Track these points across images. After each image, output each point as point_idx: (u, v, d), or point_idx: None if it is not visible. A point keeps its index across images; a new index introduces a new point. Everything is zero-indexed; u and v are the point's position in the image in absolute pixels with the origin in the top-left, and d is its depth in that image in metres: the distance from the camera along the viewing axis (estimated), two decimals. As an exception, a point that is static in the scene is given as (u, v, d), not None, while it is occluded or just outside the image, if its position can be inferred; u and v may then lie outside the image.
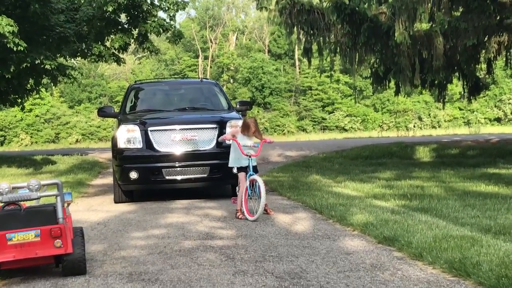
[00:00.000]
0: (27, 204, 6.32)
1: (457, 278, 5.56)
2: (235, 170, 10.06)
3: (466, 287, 5.26)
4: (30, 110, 61.01)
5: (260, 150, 9.78)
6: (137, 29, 23.95)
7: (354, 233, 8.03)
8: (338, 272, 5.93)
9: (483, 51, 19.85)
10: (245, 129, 9.70)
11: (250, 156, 9.58)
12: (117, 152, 11.99)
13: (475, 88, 22.30)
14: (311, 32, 20.01)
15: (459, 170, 16.31)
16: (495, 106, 67.44)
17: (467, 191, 11.98)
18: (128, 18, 23.89)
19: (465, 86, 22.45)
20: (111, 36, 24.22)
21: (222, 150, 11.61)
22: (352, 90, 69.86)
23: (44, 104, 63.20)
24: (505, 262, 5.55)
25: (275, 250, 7.04)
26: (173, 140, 11.77)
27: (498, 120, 66.64)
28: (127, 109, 13.40)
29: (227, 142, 10.14)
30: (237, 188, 9.88)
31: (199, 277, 5.87)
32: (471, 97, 23.12)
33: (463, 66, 20.29)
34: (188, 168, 11.77)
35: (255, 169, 9.64)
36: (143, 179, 11.75)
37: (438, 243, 6.52)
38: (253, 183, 9.47)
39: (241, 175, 9.77)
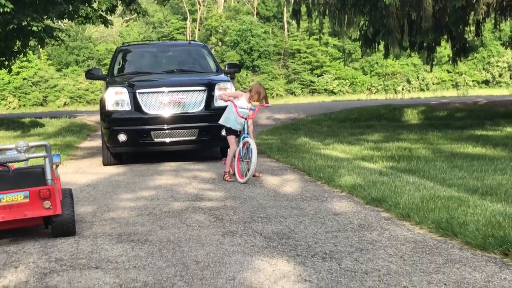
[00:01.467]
0: (16, 165, 6.31)
1: (444, 237, 5.61)
2: (223, 133, 10.07)
3: (453, 247, 5.32)
4: (18, 73, 60.54)
5: (256, 113, 9.77)
6: (124, -10, 23.77)
7: (342, 194, 8.08)
8: (326, 232, 5.97)
9: (472, 13, 19.81)
10: (257, 94, 9.62)
11: (246, 119, 9.57)
12: (105, 114, 11.95)
13: (462, 50, 22.33)
14: (300, -7, 19.91)
15: (447, 132, 16.40)
16: (483, 69, 67.53)
17: (454, 152, 12.05)
18: (115, -21, 23.67)
19: (453, 48, 22.48)
20: (98, -3, 24.02)
21: (211, 113, 11.62)
22: (340, 53, 69.69)
23: (32, 67, 62.69)
24: (491, 222, 5.61)
25: (263, 211, 7.08)
26: (161, 103, 11.73)
27: (486, 82, 66.76)
28: (115, 71, 13.32)
29: (225, 102, 9.99)
30: (228, 150, 9.86)
31: (188, 238, 5.90)
32: (458, 59, 23.18)
33: (452, 27, 20.28)
34: (177, 131, 11.75)
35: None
36: (131, 142, 11.73)
37: (425, 203, 6.57)
38: (246, 146, 9.48)
39: (231, 138, 9.76)
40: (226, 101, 9.89)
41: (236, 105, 9.56)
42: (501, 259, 4.91)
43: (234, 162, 9.59)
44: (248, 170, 9.17)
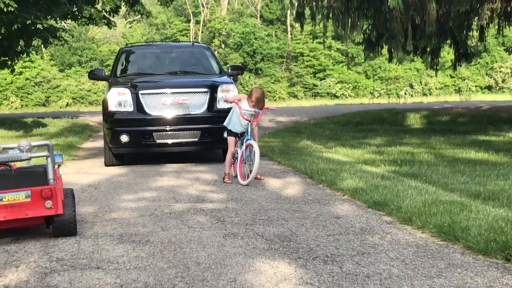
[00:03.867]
0: (18, 165, 6.30)
1: (446, 242, 5.60)
2: (225, 134, 10.06)
3: (455, 251, 5.30)
4: (20, 73, 60.64)
5: (260, 116, 9.73)
6: (128, -9, 23.76)
7: (344, 197, 8.07)
8: (327, 235, 5.96)
9: (476, 18, 19.81)
10: (249, 96, 9.64)
11: (250, 121, 9.55)
12: (107, 115, 11.94)
13: (465, 55, 22.33)
14: (304, -4, 19.92)
15: (450, 137, 16.37)
16: (486, 74, 67.55)
17: (457, 157, 12.03)
18: (119, -21, 23.67)
19: (455, 53, 22.47)
20: (102, -2, 24.01)
21: (214, 115, 11.63)
22: (344, 57, 69.72)
23: (35, 67, 62.78)
24: (493, 227, 5.59)
25: (265, 213, 7.07)
26: (164, 104, 11.73)
27: (489, 88, 66.77)
28: (118, 72, 13.32)
29: (229, 104, 10.06)
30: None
31: (190, 239, 5.89)
32: (460, 64, 23.21)
33: (455, 32, 20.26)
34: (179, 132, 11.75)
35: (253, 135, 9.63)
36: (133, 143, 11.72)
37: (428, 208, 6.55)
38: (249, 148, 9.46)
39: (231, 139, 9.76)
40: (230, 102, 9.89)
41: (240, 107, 9.56)
42: (503, 264, 4.90)
43: (237, 164, 9.58)
44: (251, 172, 9.15)
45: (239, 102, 9.68)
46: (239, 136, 9.75)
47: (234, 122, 9.72)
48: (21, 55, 25.96)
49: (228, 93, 11.60)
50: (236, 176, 9.52)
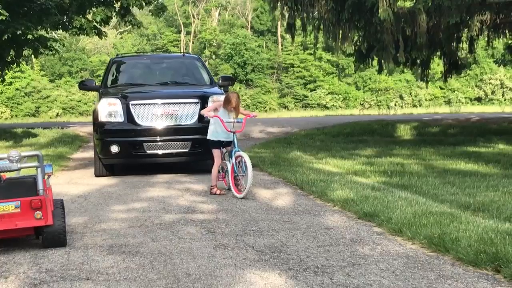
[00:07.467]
0: (7, 175, 6.27)
1: (436, 253, 5.61)
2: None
3: (445, 262, 5.31)
4: (10, 83, 60.43)
5: (244, 125, 9.67)
6: (119, 2, 23.76)
7: (335, 208, 8.07)
8: (318, 246, 5.96)
9: (466, 29, 19.90)
10: (227, 103, 9.57)
11: (234, 132, 9.48)
12: (98, 125, 11.91)
13: (455, 67, 22.42)
14: (295, 7, 19.97)
15: (439, 148, 16.41)
16: (476, 86, 67.84)
17: (446, 169, 12.06)
18: (110, -10, 23.67)
19: (445, 65, 22.57)
20: (93, 9, 24.00)
21: (204, 125, 11.54)
22: (334, 68, 69.87)
23: (25, 78, 62.62)
24: (483, 238, 5.60)
25: (255, 224, 7.06)
26: (154, 114, 11.71)
27: (479, 99, 67.04)
28: (109, 82, 13.30)
29: (209, 118, 9.82)
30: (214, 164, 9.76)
31: (180, 250, 5.88)
32: (450, 75, 23.30)
33: (445, 44, 20.36)
34: (170, 143, 11.72)
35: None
36: (124, 153, 11.70)
37: (418, 219, 6.57)
38: (238, 159, 9.35)
39: (216, 151, 9.67)
40: (211, 117, 9.67)
41: (223, 120, 9.45)
42: (493, 275, 4.91)
43: (228, 177, 9.50)
44: (245, 184, 9.00)
45: (217, 112, 9.60)
46: (224, 146, 9.69)
47: (215, 131, 9.63)
48: (11, 65, 25.88)
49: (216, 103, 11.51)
50: (229, 189, 9.44)
